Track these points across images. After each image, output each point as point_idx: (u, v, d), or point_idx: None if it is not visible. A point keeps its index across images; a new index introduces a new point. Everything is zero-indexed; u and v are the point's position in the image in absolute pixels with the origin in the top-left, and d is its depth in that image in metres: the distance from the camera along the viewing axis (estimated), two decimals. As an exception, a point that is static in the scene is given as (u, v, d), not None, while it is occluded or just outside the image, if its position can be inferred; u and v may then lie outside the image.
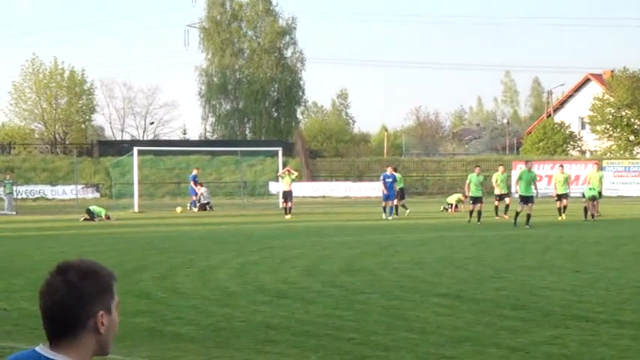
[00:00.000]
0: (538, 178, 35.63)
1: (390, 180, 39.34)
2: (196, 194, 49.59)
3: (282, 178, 42.85)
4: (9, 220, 41.61)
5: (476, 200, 35.47)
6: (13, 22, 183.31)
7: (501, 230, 31.50)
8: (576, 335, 11.81)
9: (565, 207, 36.71)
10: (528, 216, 32.41)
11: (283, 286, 16.95)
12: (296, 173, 44.00)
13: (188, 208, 49.14)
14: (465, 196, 39.93)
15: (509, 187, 43.85)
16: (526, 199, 33.02)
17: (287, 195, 41.63)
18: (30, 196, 64.71)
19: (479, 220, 34.84)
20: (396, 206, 41.75)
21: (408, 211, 41.87)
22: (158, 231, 32.97)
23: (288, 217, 39.66)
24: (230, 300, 15.42)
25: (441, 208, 45.84)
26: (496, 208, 38.69)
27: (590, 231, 30.33)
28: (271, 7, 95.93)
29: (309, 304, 14.75)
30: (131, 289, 16.82)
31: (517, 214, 32.81)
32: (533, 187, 33.20)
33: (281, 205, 47.66)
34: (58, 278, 2.93)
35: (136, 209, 47.06)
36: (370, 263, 20.87)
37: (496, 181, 38.91)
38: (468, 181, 36.86)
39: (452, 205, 45.27)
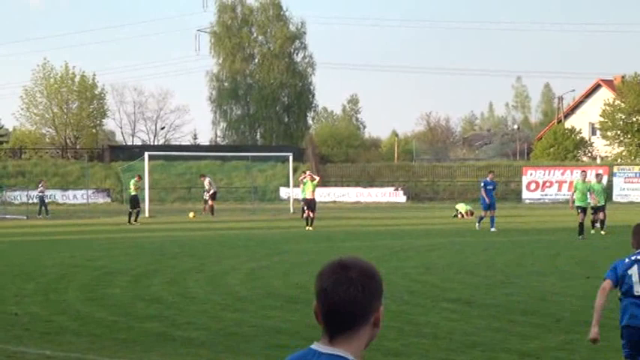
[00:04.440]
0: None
1: (491, 187, 35.30)
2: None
3: (304, 184, 38.67)
4: (20, 225, 41.73)
5: (583, 210, 31.39)
6: (24, 27, 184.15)
7: (512, 236, 31.45)
8: (587, 341, 11.78)
9: (603, 220, 32.58)
10: None
11: (294, 291, 16.96)
12: (317, 179, 42.45)
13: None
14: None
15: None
16: None
17: (310, 203, 37.29)
18: (40, 201, 64.84)
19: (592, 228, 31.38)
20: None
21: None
22: (169, 236, 33.00)
23: (310, 228, 36.08)
24: (240, 305, 15.44)
25: (453, 215, 45.78)
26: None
27: (600, 237, 30.25)
28: (281, 12, 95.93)
29: (320, 309, 14.73)
30: (141, 293, 16.86)
31: None
32: None
33: (301, 213, 47.50)
34: (344, 275, 3.05)
35: (147, 214, 47.10)
36: (381, 268, 20.60)
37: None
38: (573, 190, 32.79)
39: (460, 212, 45.26)
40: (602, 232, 31.94)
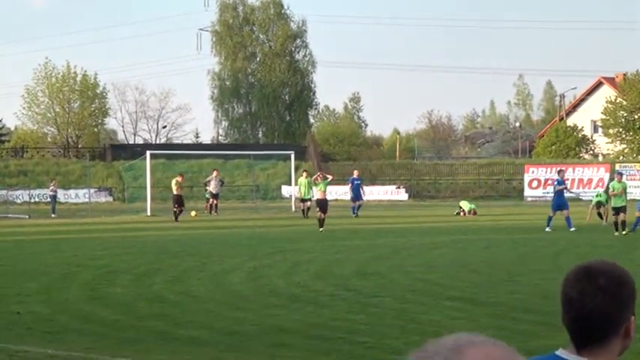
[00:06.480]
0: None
1: (562, 187, 33.77)
2: (359, 199, 45.99)
3: (316, 185, 37.66)
4: (22, 224, 41.73)
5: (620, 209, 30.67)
6: (26, 27, 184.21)
7: (514, 234, 31.42)
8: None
9: (624, 221, 30.63)
10: None
11: (296, 290, 16.95)
12: (330, 177, 41.47)
13: (354, 214, 44.87)
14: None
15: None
16: None
17: (322, 204, 35.60)
18: (42, 200, 64.82)
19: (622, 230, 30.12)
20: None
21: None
22: (171, 234, 32.99)
23: (322, 229, 33.96)
24: (243, 303, 15.43)
25: (454, 212, 45.74)
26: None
27: (602, 234, 30.21)
28: (282, 11, 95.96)
29: (322, 308, 14.74)
30: (144, 292, 16.85)
31: None
32: None
33: (301, 209, 47.48)
34: (592, 283, 2.88)
35: (149, 213, 47.07)
36: (383, 267, 20.85)
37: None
38: (621, 191, 31.39)
39: (462, 210, 45.25)
40: (624, 233, 30.32)
